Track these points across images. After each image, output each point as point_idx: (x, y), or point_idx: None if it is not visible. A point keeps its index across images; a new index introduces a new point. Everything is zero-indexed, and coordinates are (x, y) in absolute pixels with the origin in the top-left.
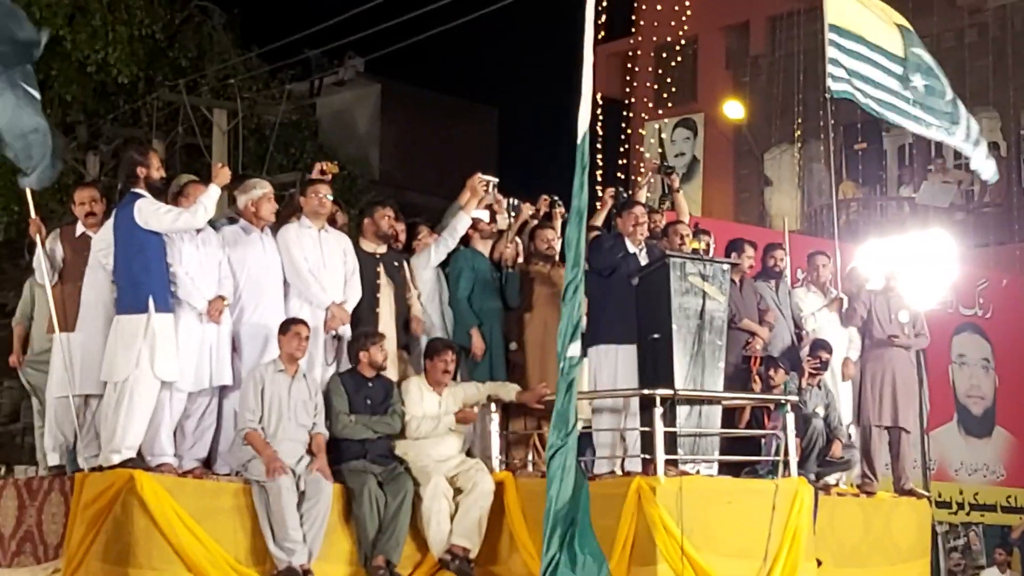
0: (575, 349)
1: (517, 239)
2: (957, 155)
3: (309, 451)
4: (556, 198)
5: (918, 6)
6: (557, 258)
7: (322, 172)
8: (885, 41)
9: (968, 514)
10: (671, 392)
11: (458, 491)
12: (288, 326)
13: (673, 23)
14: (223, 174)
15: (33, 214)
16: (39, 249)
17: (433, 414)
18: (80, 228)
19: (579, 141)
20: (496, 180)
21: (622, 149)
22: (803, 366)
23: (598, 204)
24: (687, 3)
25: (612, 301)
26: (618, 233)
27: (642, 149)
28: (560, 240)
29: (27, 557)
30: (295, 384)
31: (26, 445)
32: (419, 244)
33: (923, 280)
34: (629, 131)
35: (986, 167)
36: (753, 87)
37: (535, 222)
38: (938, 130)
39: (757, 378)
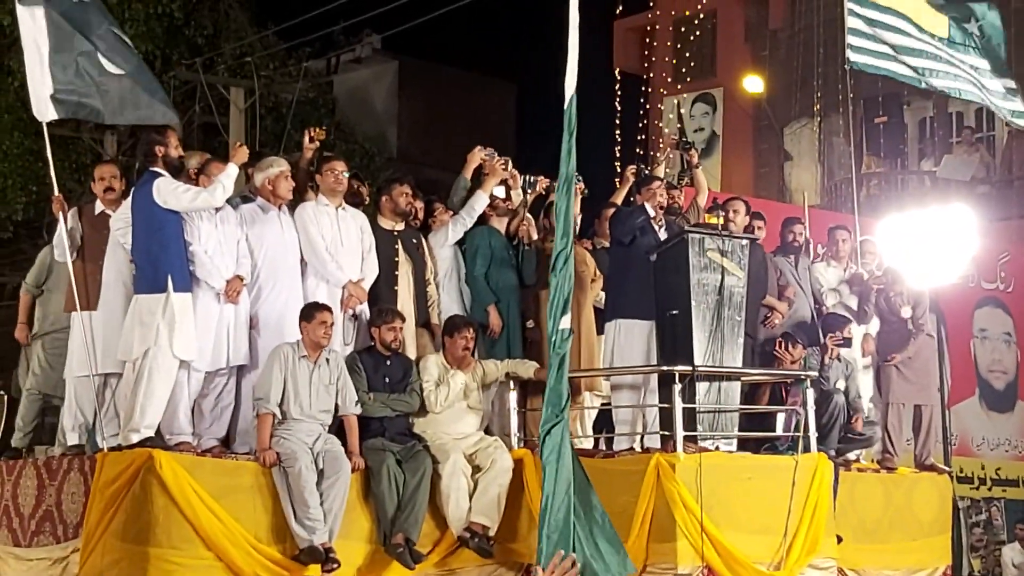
0: (566, 322)
1: (530, 216)
2: (979, 127)
3: (331, 430)
4: (575, 173)
5: None
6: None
7: (311, 139)
8: (908, 7)
9: (990, 489)
10: (690, 368)
11: (477, 469)
12: (312, 313)
13: None
14: (241, 153)
15: (56, 192)
16: (60, 226)
17: (449, 393)
18: (99, 206)
19: (566, 106)
20: (493, 151)
21: (641, 124)
22: (824, 342)
23: (618, 181)
24: None
25: (631, 276)
26: (641, 205)
27: (661, 124)
28: (579, 216)
29: (46, 536)
30: (317, 370)
31: (46, 425)
32: (435, 221)
33: (944, 254)
34: (648, 106)
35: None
36: (772, 61)
37: (552, 198)
38: (967, 89)
39: (779, 354)
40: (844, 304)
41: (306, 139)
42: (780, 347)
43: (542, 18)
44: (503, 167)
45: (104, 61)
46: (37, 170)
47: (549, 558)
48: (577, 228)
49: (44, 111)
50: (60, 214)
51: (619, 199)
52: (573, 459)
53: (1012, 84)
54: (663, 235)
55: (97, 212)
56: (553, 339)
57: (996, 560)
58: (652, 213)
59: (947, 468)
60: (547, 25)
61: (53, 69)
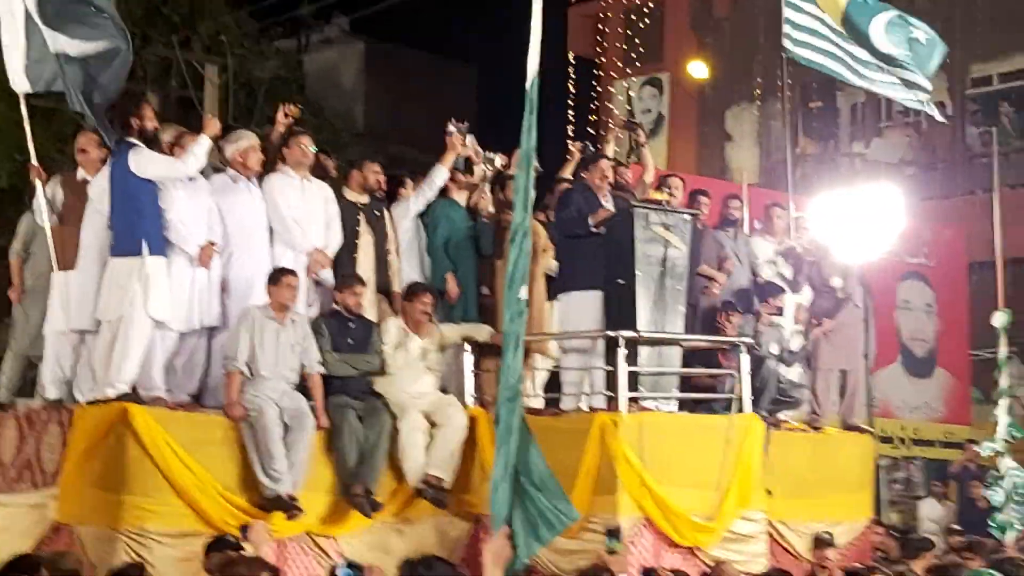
0: (523, 293)
1: (487, 190)
2: (906, 113)
3: (296, 388)
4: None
5: None
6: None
7: (285, 115)
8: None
9: (909, 449)
10: (634, 334)
11: (433, 425)
12: (279, 277)
13: None
14: (212, 125)
15: (34, 160)
16: (39, 192)
17: (408, 354)
18: (81, 174)
19: (528, 84)
20: (466, 125)
21: (593, 106)
22: (759, 310)
23: (567, 157)
24: None
25: (581, 250)
26: (586, 185)
27: (612, 106)
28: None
29: (26, 483)
30: (283, 330)
31: (27, 380)
32: (402, 194)
33: (872, 230)
34: (599, 89)
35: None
36: (716, 48)
37: (510, 172)
38: (884, 85)
39: (721, 323)
40: (780, 274)
41: (280, 115)
42: (722, 317)
43: (501, 4)
44: (462, 143)
45: (63, 40)
46: (21, 139)
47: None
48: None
49: (19, 83)
50: (37, 181)
51: (566, 173)
52: (522, 427)
53: (913, 77)
54: (610, 206)
55: (79, 179)
56: (509, 313)
57: (913, 514)
58: (600, 200)
59: (870, 428)
60: (506, 11)
61: (29, 40)
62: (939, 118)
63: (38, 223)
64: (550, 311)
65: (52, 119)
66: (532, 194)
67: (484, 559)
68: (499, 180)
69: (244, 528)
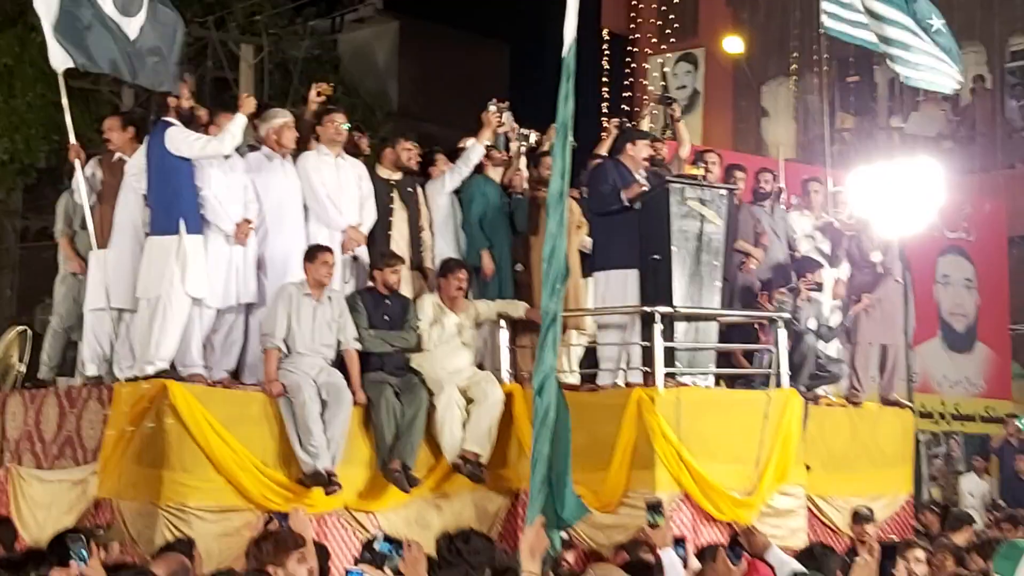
0: (560, 263)
1: (522, 167)
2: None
3: (333, 364)
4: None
5: None
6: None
7: (318, 94)
8: None
9: (949, 424)
10: (670, 309)
11: (470, 401)
12: (315, 254)
13: None
14: (248, 103)
15: (73, 140)
16: (77, 172)
17: (444, 330)
18: (117, 154)
19: (565, 52)
20: (506, 104)
21: (627, 83)
22: (798, 285)
23: (603, 135)
24: None
25: (615, 227)
26: (619, 161)
27: (646, 82)
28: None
29: (67, 460)
30: (320, 307)
31: (67, 359)
32: (435, 171)
33: (911, 205)
34: (634, 65)
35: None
36: (752, 23)
37: (544, 149)
38: (921, 72)
39: (763, 304)
40: (818, 249)
41: (312, 93)
42: (763, 298)
43: None
44: (499, 120)
45: (119, 19)
46: (59, 120)
47: (534, 514)
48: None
49: (59, 60)
50: (76, 160)
51: (603, 150)
52: (559, 403)
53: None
54: (643, 182)
55: (115, 159)
56: (548, 286)
57: (954, 489)
58: (636, 177)
59: (909, 403)
60: None
61: (63, 20)
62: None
63: (77, 202)
64: (585, 288)
65: (89, 101)
66: (568, 162)
67: (520, 550)
68: (533, 156)
69: (283, 516)
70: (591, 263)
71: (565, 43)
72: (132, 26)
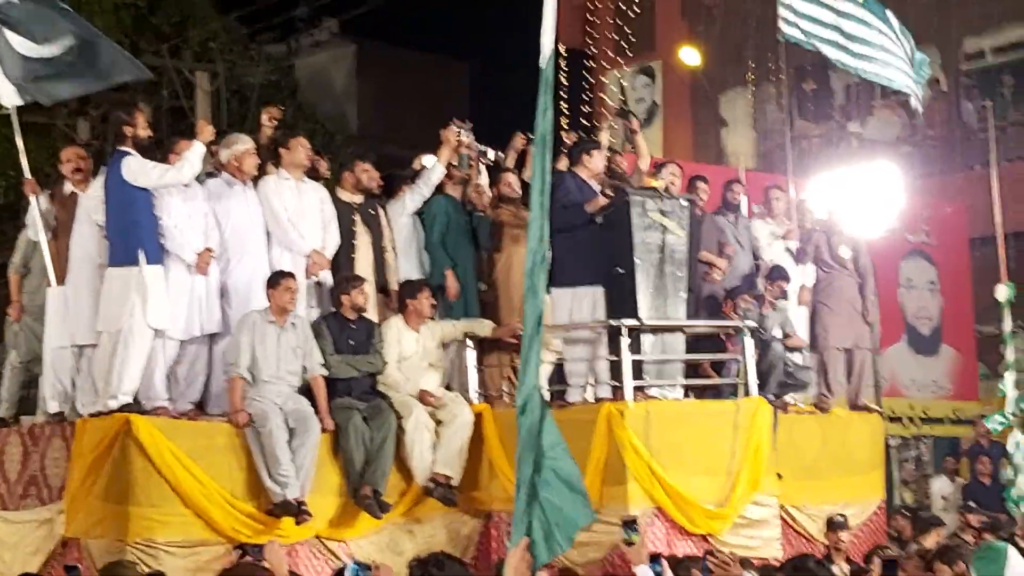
0: (541, 283)
1: (483, 184)
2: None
3: (300, 391)
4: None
5: None
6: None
7: (270, 119)
8: None
9: (919, 427)
10: (636, 322)
11: (439, 423)
12: (278, 280)
13: None
14: (207, 131)
15: (28, 174)
16: (32, 207)
17: (410, 353)
18: (68, 187)
19: (542, 64)
20: (468, 125)
21: (586, 97)
22: (763, 295)
23: (562, 149)
24: None
25: (577, 242)
26: (578, 175)
27: (604, 97)
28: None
29: (33, 500)
30: (284, 334)
31: (31, 396)
32: (397, 193)
33: (872, 209)
34: (591, 80)
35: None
36: (708, 34)
37: (508, 165)
38: (883, 68)
39: (728, 314)
40: (787, 250)
41: (264, 118)
42: (728, 307)
43: (492, 1)
44: (457, 137)
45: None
46: (14, 156)
47: (519, 535)
48: (519, 193)
49: (7, 96)
50: (32, 195)
51: (561, 164)
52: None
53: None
54: (606, 196)
55: (67, 192)
56: (528, 300)
57: (925, 492)
58: (595, 190)
59: (878, 408)
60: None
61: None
62: (916, 106)
63: (31, 238)
64: (548, 304)
65: (45, 134)
66: (549, 175)
67: (505, 572)
68: (493, 174)
69: (255, 547)
70: (552, 278)
71: (543, 53)
72: (49, 49)
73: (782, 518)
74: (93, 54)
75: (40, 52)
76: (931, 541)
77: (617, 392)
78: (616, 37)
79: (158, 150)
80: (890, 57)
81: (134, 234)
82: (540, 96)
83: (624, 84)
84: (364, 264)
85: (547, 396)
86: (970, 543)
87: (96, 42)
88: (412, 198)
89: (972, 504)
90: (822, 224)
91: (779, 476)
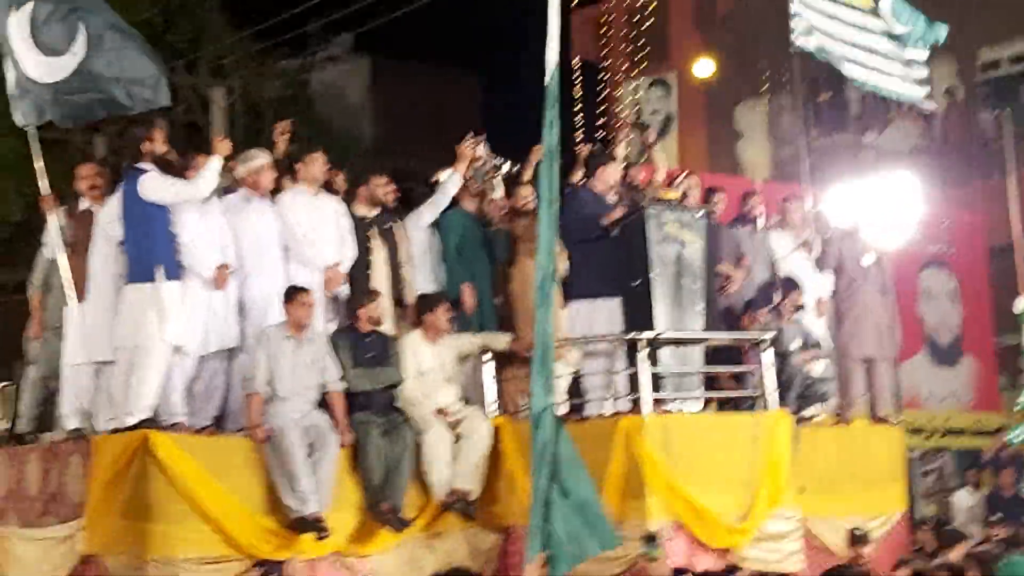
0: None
1: (498, 198)
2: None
3: (318, 405)
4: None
5: None
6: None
7: (281, 133)
8: None
9: (940, 439)
10: (653, 334)
11: (457, 437)
12: (294, 295)
13: None
14: (223, 146)
15: (45, 191)
16: (50, 223)
17: (428, 367)
18: (84, 203)
19: (548, 80)
20: (483, 137)
21: (600, 110)
22: (780, 308)
23: (576, 163)
24: None
25: (593, 255)
26: (593, 188)
27: (619, 109)
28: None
29: (52, 517)
30: (301, 348)
31: (48, 411)
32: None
33: (890, 219)
34: (606, 92)
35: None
36: (722, 45)
37: (525, 179)
38: (893, 81)
39: (745, 325)
40: (806, 258)
41: (276, 133)
42: (746, 320)
43: (503, 14)
44: (473, 151)
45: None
46: (32, 173)
47: (535, 549)
48: (534, 206)
49: (21, 116)
50: (50, 212)
51: (575, 177)
52: (559, 437)
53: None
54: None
55: (82, 209)
56: (539, 313)
57: (948, 505)
58: (610, 203)
59: (898, 420)
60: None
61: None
62: (927, 106)
63: (47, 256)
64: (564, 317)
65: (61, 151)
66: (557, 188)
67: None
68: (508, 186)
69: (275, 564)
70: (568, 291)
71: (547, 69)
72: (61, 64)
73: (804, 532)
74: (107, 63)
75: (52, 70)
76: (956, 555)
77: (635, 405)
78: (630, 49)
79: (174, 166)
80: (900, 68)
81: (152, 251)
82: (546, 111)
83: (639, 96)
84: (380, 278)
85: (564, 409)
86: (999, 554)
87: (114, 45)
88: (428, 210)
89: (996, 517)
90: (843, 233)
91: (802, 489)
